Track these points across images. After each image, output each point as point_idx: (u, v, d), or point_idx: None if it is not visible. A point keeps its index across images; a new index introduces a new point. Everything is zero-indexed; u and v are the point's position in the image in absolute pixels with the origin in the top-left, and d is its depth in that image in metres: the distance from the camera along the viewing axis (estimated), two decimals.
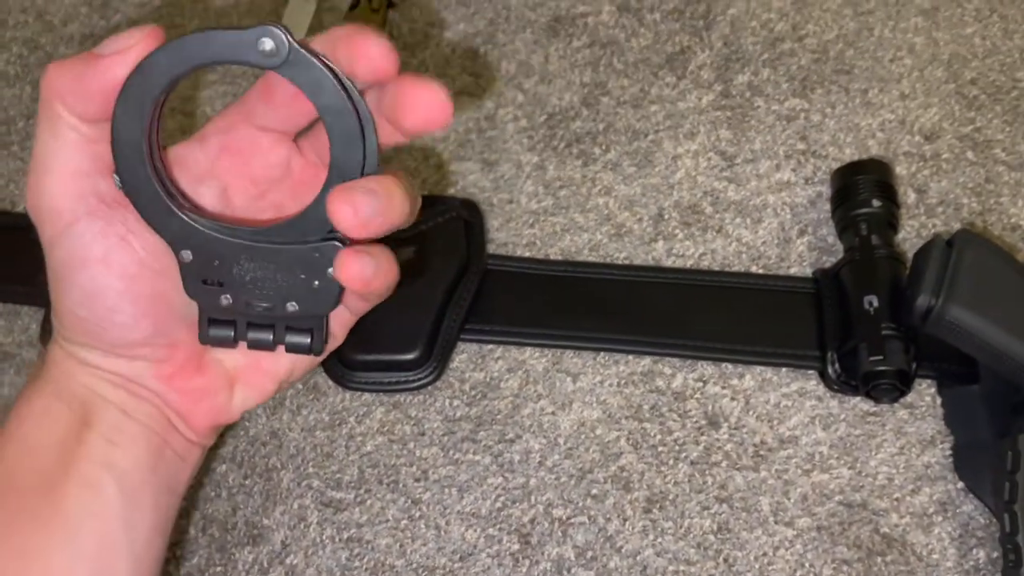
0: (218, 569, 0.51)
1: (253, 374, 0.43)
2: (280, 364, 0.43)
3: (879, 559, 0.50)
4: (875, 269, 0.52)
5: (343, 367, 0.55)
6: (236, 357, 0.42)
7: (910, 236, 0.58)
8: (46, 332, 0.54)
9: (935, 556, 0.50)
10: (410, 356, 0.54)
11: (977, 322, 0.46)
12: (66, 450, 0.39)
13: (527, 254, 0.59)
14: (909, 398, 0.53)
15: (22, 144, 0.65)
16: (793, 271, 0.58)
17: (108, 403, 0.40)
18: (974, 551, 0.50)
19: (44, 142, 0.36)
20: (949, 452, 0.52)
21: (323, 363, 0.55)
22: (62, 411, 0.39)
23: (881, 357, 0.49)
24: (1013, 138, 0.62)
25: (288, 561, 0.51)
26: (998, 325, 0.46)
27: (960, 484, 0.51)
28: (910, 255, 0.52)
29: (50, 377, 0.40)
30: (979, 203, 0.59)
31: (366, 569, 0.51)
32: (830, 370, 0.53)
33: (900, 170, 0.61)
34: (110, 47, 0.34)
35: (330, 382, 0.55)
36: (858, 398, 0.53)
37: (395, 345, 0.54)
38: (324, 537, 0.51)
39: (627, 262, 0.59)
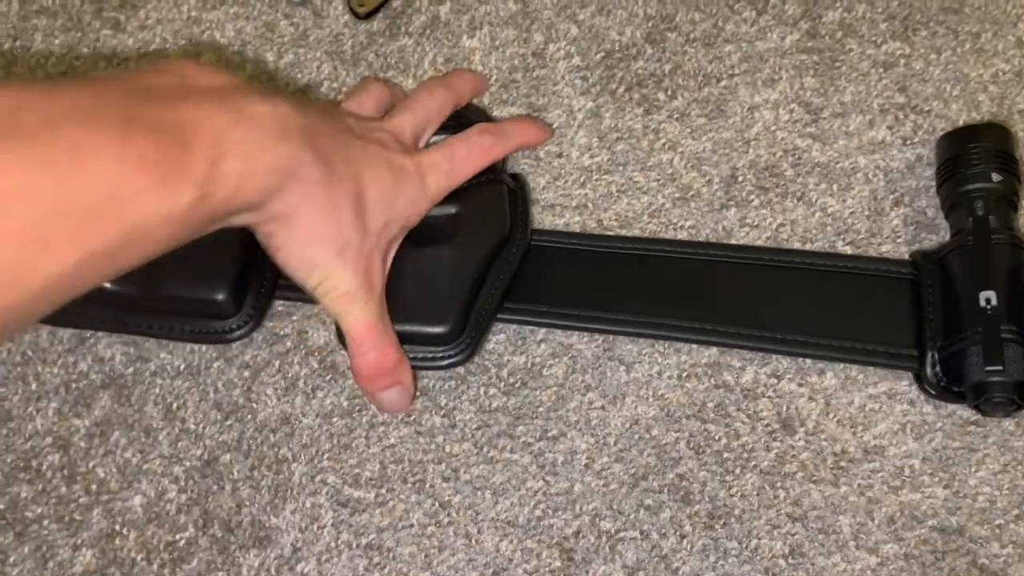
0: (219, 574, 0.45)
1: None
2: None
3: None
4: (994, 259, 0.44)
5: None
6: None
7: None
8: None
9: None
10: (440, 329, 0.47)
11: None
12: None
13: (577, 218, 0.52)
14: None
15: None
16: (886, 249, 0.50)
17: None
18: None
19: None
20: None
21: (340, 338, 0.48)
22: None
23: (1000, 367, 0.42)
24: None
25: (299, 568, 0.45)
26: None
27: None
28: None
29: None
30: None
31: None
32: (929, 372, 0.45)
33: (1017, 130, 0.52)
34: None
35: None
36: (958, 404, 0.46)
37: (424, 315, 0.47)
38: (339, 542, 0.46)
39: (692, 232, 0.51)
